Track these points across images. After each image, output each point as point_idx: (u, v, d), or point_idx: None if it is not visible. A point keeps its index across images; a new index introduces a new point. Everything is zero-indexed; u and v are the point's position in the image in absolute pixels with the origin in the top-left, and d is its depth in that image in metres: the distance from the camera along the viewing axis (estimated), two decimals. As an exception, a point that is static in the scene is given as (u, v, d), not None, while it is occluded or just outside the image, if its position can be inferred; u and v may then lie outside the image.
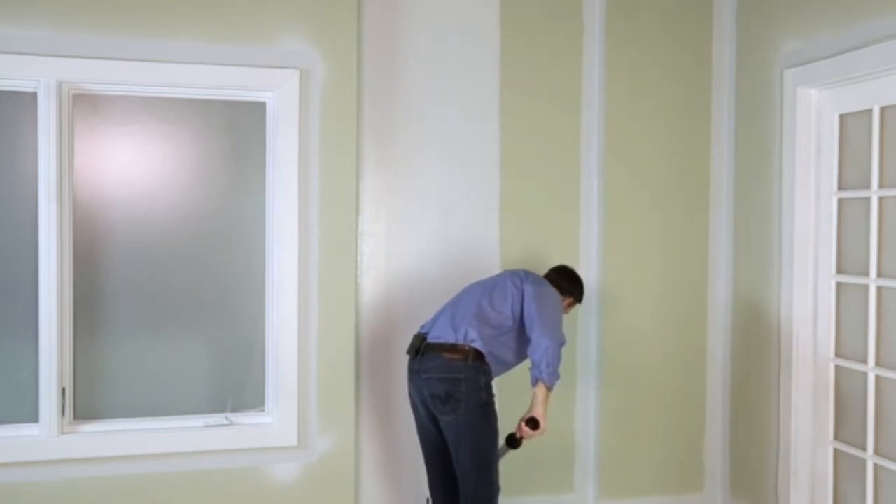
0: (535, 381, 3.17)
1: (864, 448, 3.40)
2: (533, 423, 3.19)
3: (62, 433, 3.43)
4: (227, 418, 3.63)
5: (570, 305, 3.59)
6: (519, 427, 3.24)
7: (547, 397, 3.18)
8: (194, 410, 3.62)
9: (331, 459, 3.65)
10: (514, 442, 3.32)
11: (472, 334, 3.22)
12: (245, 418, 3.66)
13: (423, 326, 3.42)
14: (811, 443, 3.65)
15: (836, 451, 3.58)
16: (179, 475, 3.50)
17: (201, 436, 3.56)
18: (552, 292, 3.38)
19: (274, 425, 3.64)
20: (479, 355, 3.21)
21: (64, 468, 3.40)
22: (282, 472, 3.61)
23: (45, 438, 3.40)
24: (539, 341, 3.16)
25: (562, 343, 3.19)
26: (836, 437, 3.58)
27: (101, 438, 3.47)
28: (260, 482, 3.58)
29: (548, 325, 3.19)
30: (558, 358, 3.16)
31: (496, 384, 3.33)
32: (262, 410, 3.68)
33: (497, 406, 3.29)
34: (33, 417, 3.43)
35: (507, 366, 3.38)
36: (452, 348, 3.21)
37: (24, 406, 3.43)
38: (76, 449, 3.43)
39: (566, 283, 3.55)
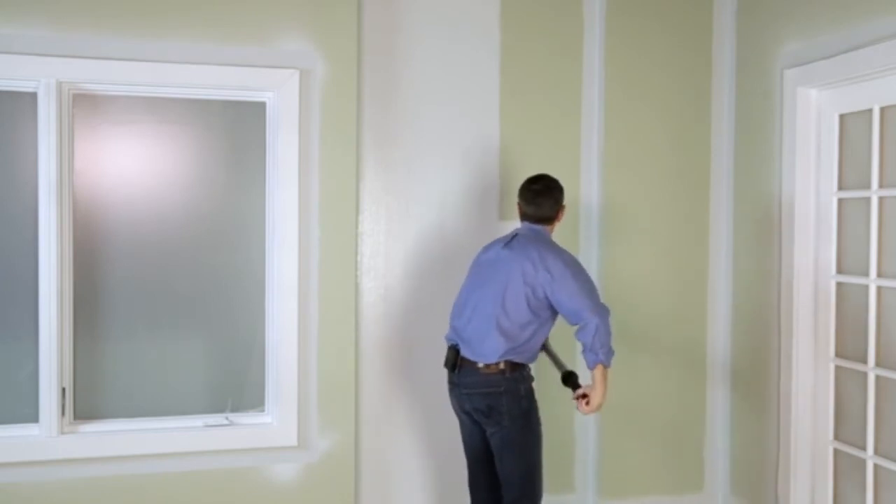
0: (593, 365, 3.10)
1: (864, 448, 3.40)
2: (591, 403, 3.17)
3: (62, 433, 3.43)
4: (226, 418, 3.63)
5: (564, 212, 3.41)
6: (579, 403, 3.20)
7: (606, 375, 3.13)
8: (194, 410, 3.63)
9: (331, 459, 3.65)
10: (569, 381, 3.30)
11: (502, 349, 3.16)
12: (245, 418, 3.66)
13: (448, 337, 3.34)
14: (811, 443, 3.65)
15: (836, 451, 3.58)
16: (179, 475, 3.51)
17: (201, 436, 3.56)
18: (571, 260, 3.22)
19: (274, 425, 3.64)
20: (514, 365, 3.18)
21: (64, 468, 3.41)
22: (282, 472, 3.61)
23: (45, 438, 3.41)
24: (588, 322, 3.08)
25: (608, 314, 3.12)
26: (836, 437, 3.57)
27: (100, 438, 3.47)
28: (260, 482, 3.58)
29: (588, 304, 3.09)
30: (609, 334, 3.11)
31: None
32: (262, 410, 3.68)
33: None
34: (33, 417, 3.43)
35: (540, 346, 3.32)
36: (486, 363, 3.18)
37: (24, 406, 3.43)
38: (76, 449, 3.43)
39: (552, 196, 3.32)
